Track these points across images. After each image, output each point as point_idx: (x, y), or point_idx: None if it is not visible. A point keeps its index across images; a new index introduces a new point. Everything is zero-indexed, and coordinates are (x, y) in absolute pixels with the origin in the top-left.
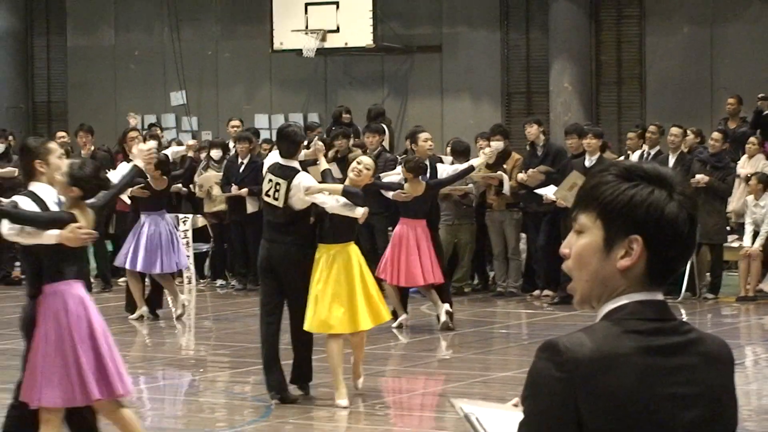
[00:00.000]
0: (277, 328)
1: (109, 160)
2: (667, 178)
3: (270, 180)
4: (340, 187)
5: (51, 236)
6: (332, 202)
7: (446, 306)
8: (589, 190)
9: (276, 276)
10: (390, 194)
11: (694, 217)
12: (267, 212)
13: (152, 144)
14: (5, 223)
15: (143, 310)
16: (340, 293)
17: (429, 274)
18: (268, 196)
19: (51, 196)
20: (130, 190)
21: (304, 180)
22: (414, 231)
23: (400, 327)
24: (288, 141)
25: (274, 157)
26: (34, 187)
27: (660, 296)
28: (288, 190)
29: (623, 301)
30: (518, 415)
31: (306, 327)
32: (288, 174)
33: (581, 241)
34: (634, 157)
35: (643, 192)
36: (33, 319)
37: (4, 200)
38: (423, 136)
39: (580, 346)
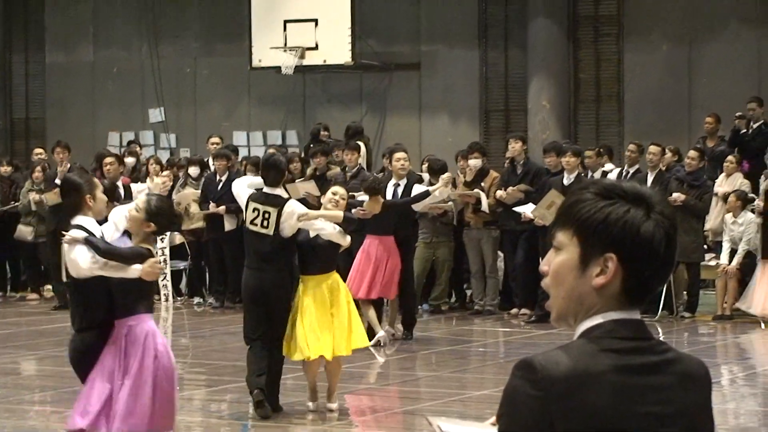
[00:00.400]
0: (267, 354)
1: None
2: (645, 197)
3: (255, 209)
4: (339, 213)
5: (134, 270)
6: (330, 228)
7: (387, 327)
8: (567, 208)
9: (265, 303)
10: (353, 211)
11: (672, 237)
12: (253, 242)
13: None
14: (87, 256)
15: None
16: (322, 321)
17: (377, 288)
18: (255, 225)
19: (96, 229)
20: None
21: (296, 207)
22: (379, 246)
23: (378, 344)
24: (274, 170)
25: (244, 182)
26: (80, 220)
27: (637, 315)
28: (278, 217)
29: (600, 319)
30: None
31: (285, 352)
32: (276, 202)
33: (558, 258)
34: (597, 174)
35: (619, 210)
36: (89, 352)
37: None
38: (396, 155)
39: (556, 364)
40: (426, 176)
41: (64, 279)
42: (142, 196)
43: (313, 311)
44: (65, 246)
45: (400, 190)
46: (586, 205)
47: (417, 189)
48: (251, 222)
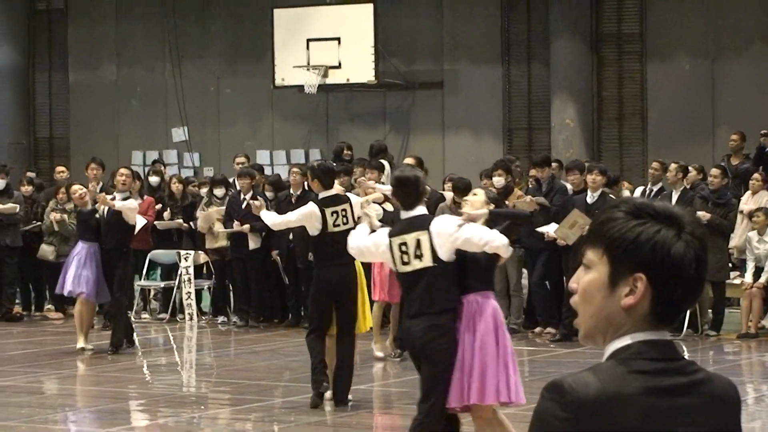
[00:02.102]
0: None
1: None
2: (676, 217)
3: (402, 244)
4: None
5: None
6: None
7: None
8: (598, 226)
9: (343, 296)
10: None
11: (703, 258)
12: (338, 241)
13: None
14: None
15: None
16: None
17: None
18: (406, 265)
19: None
20: None
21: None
22: None
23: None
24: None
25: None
26: None
27: (667, 335)
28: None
29: (628, 340)
30: None
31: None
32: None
33: (587, 277)
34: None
35: (650, 230)
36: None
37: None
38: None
39: (585, 386)
40: (449, 194)
41: None
42: None
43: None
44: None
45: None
46: (617, 224)
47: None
48: (402, 263)
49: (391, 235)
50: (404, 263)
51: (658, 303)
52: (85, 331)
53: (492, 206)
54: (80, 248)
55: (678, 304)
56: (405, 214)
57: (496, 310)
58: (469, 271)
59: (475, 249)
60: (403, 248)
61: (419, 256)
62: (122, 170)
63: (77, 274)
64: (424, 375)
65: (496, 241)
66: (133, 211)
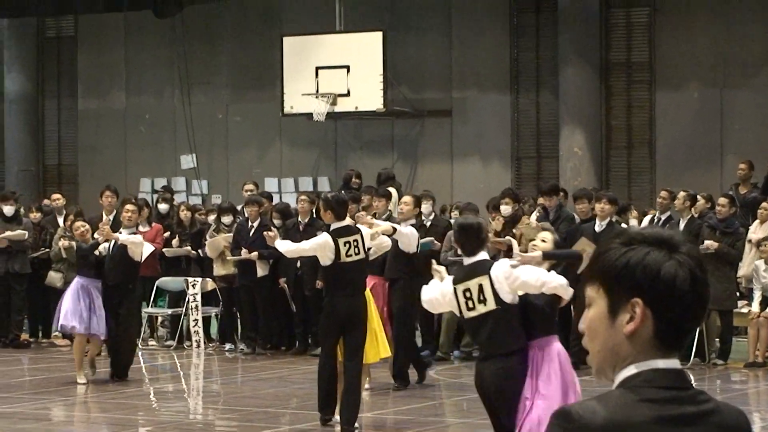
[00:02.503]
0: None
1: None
2: (666, 239)
3: (466, 290)
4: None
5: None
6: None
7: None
8: (591, 262)
9: (354, 324)
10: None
11: (698, 276)
12: (350, 271)
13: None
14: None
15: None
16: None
17: None
18: (471, 310)
19: None
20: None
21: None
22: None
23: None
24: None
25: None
26: None
27: (677, 364)
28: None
29: (636, 369)
30: None
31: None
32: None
33: (590, 313)
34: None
35: (639, 254)
36: (519, 374)
37: None
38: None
39: (593, 413)
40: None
41: None
42: None
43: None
44: None
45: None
46: (609, 255)
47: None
48: (467, 309)
49: (455, 282)
50: (469, 309)
51: (659, 326)
52: (89, 360)
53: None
54: (76, 283)
55: (680, 325)
56: (467, 260)
57: (561, 354)
58: (531, 317)
59: (534, 291)
60: (467, 294)
61: (483, 301)
62: (128, 206)
63: (71, 309)
64: (499, 416)
65: (554, 282)
66: (138, 246)
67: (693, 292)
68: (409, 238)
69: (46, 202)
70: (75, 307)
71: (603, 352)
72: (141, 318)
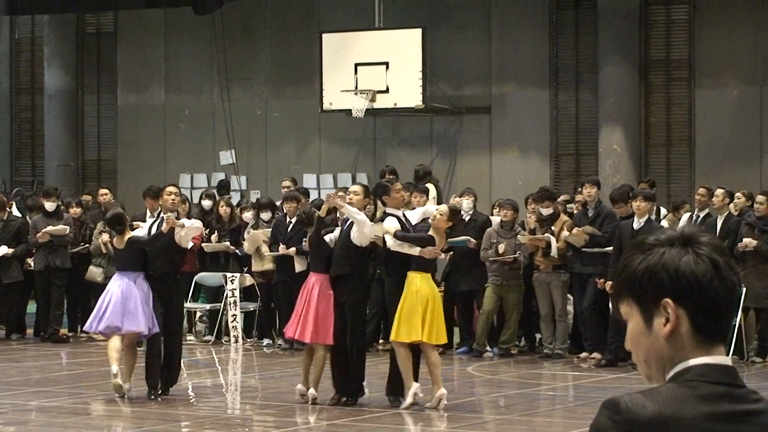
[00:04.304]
0: None
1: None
2: (681, 236)
3: None
4: None
5: None
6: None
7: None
8: (616, 279)
9: None
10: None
11: (720, 263)
12: None
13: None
14: None
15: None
16: None
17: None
18: None
19: None
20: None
21: None
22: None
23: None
24: None
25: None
26: None
27: (726, 360)
28: None
29: (688, 363)
30: None
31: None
32: None
33: (629, 329)
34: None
35: (656, 256)
36: None
37: None
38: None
39: (642, 407)
40: (496, 219)
41: None
42: None
43: None
44: None
45: (346, 225)
46: (627, 267)
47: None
48: None
49: None
50: None
51: (695, 320)
52: (127, 370)
53: None
54: (121, 282)
55: (714, 315)
56: None
57: None
58: None
59: None
60: None
61: None
62: (170, 188)
63: (116, 311)
64: None
65: None
66: (197, 230)
67: (718, 280)
68: (366, 229)
69: (84, 197)
70: (123, 308)
71: (648, 362)
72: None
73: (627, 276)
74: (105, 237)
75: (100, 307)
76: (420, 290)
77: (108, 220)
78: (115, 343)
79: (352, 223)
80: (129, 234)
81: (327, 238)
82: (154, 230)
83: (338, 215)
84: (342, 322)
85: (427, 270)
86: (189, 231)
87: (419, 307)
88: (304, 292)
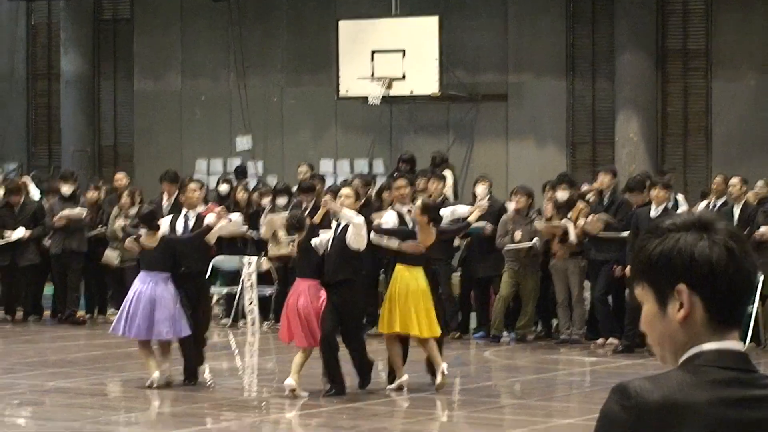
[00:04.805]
0: None
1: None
2: (696, 221)
3: None
4: None
5: None
6: None
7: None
8: (632, 263)
9: None
10: (396, 244)
11: (735, 249)
12: None
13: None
14: None
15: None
16: None
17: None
18: None
19: None
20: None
21: None
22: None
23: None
24: None
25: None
26: None
27: (738, 345)
28: None
29: (699, 348)
30: None
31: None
32: None
33: (643, 312)
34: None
35: (671, 242)
36: None
37: None
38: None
39: (651, 392)
40: (511, 205)
41: None
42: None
43: None
44: None
45: (340, 229)
46: (643, 251)
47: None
48: None
49: None
50: None
51: (710, 307)
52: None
53: None
54: (150, 285)
55: (729, 301)
56: None
57: None
58: None
59: None
60: None
61: None
62: (192, 185)
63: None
64: None
65: None
66: (239, 226)
67: (733, 266)
68: (364, 231)
69: (99, 183)
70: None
71: (662, 345)
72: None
73: (642, 260)
74: (121, 221)
75: (129, 310)
76: (408, 284)
77: (142, 216)
78: (146, 348)
79: (346, 228)
80: (159, 232)
81: (312, 243)
82: (179, 226)
83: (332, 218)
84: (334, 321)
85: (415, 264)
86: (231, 226)
87: (407, 300)
88: (291, 298)
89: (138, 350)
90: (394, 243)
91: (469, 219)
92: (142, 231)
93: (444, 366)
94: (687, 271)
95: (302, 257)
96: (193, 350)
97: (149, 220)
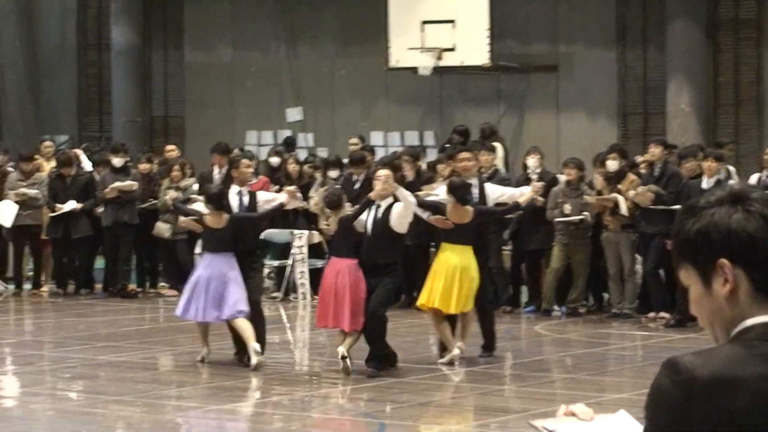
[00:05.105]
0: None
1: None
2: (730, 195)
3: None
4: None
5: None
6: None
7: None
8: (672, 245)
9: None
10: (426, 216)
11: None
12: None
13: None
14: None
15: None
16: None
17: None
18: None
19: None
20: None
21: None
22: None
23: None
24: None
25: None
26: None
27: None
28: None
29: (749, 322)
30: (601, 424)
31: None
32: None
33: (690, 294)
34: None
35: (706, 218)
36: None
37: None
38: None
39: (701, 367)
40: (562, 177)
41: None
42: None
43: None
44: None
45: (381, 211)
46: (680, 233)
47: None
48: None
49: None
50: None
51: (754, 278)
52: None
53: None
54: (217, 268)
55: None
56: None
57: None
58: None
59: None
60: None
61: None
62: (245, 161)
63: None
64: None
65: None
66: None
67: None
68: (410, 213)
69: (150, 154)
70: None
71: (712, 323)
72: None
73: (681, 241)
74: (172, 194)
75: (197, 292)
76: (448, 260)
77: (211, 196)
78: (206, 326)
79: (388, 210)
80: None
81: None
82: (234, 203)
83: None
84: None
85: (457, 242)
86: (289, 204)
87: (447, 277)
88: (330, 278)
89: (197, 326)
90: (425, 215)
91: (520, 201)
92: (197, 206)
93: (457, 350)
94: (726, 244)
95: (342, 235)
96: (260, 323)
97: (217, 201)
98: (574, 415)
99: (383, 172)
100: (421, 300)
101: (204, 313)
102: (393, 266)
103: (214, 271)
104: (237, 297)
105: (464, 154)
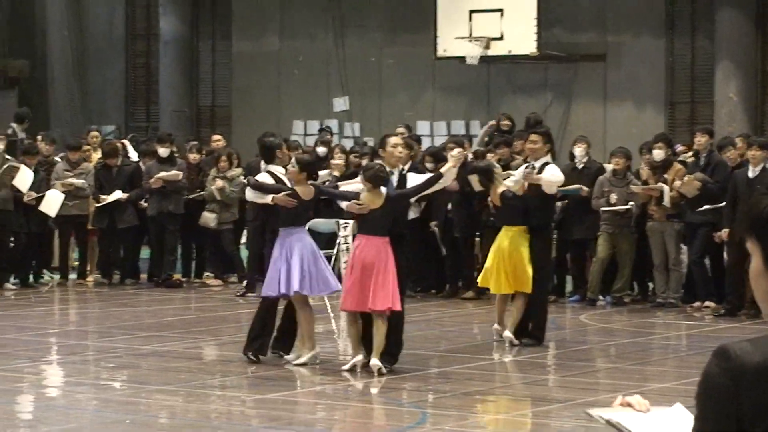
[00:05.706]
0: None
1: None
2: None
3: None
4: None
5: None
6: None
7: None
8: (744, 215)
9: None
10: (343, 204)
11: None
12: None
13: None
14: None
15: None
16: None
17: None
18: None
19: None
20: (273, 197)
21: None
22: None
23: (352, 369)
24: None
25: None
26: None
27: None
28: None
29: None
30: (657, 416)
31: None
32: None
33: (751, 266)
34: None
35: None
36: None
37: None
38: (392, 141)
39: (751, 354)
40: (609, 166)
41: None
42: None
43: None
44: None
45: (394, 179)
46: (754, 206)
47: (411, 178)
48: None
49: None
50: None
51: None
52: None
53: None
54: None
55: None
56: None
57: None
58: None
59: None
60: None
61: None
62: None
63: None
64: None
65: None
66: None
67: None
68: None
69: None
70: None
71: (767, 299)
72: None
73: (753, 215)
74: (219, 183)
75: (288, 269)
76: (499, 243)
77: (306, 162)
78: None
79: (403, 181)
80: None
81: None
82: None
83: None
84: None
85: (509, 223)
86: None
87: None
88: (359, 258)
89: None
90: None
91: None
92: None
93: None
94: None
95: (379, 214)
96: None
97: (311, 169)
98: (630, 405)
99: (396, 140)
100: (483, 281)
101: (314, 287)
102: (403, 237)
103: (308, 252)
104: (329, 273)
105: (534, 136)
